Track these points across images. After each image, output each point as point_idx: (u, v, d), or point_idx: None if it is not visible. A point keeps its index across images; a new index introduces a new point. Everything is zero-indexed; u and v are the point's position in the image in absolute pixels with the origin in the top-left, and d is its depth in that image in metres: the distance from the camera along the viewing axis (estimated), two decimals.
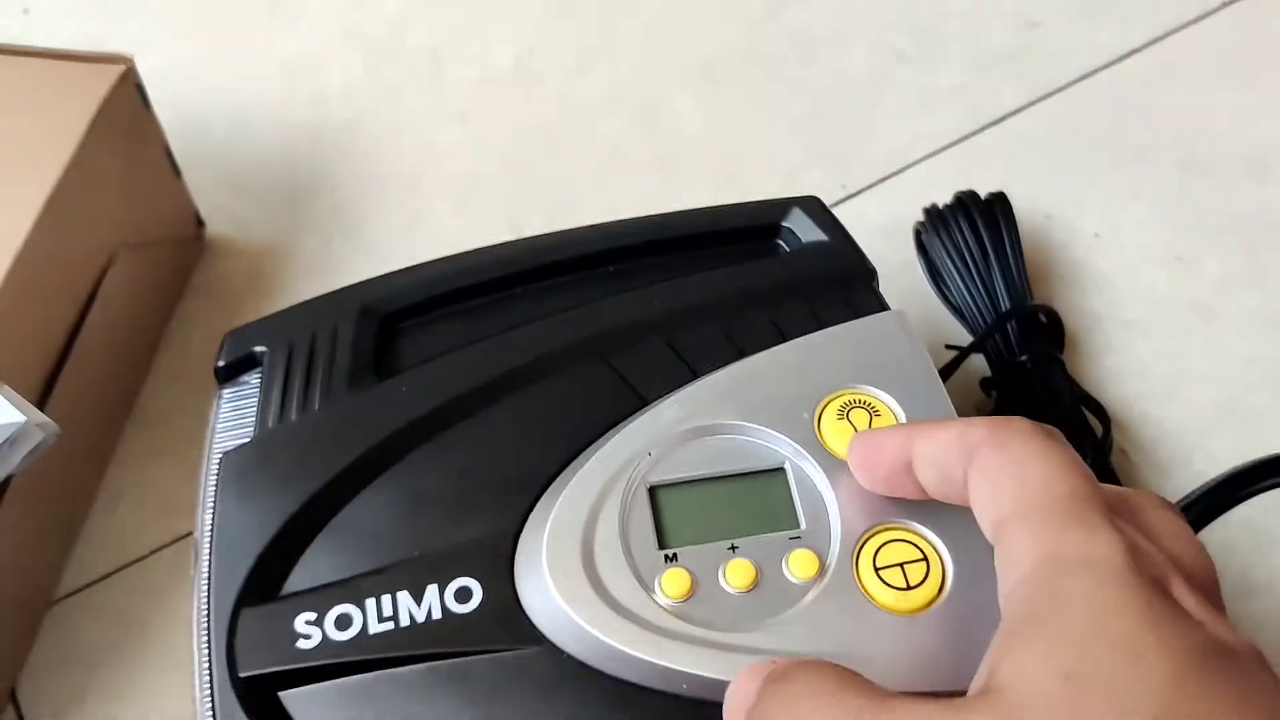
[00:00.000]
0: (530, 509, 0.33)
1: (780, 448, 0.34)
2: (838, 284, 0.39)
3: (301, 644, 0.31)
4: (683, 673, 0.30)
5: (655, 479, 0.33)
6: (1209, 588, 0.26)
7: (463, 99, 0.59)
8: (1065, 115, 0.58)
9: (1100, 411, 0.46)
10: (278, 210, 0.56)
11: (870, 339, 0.36)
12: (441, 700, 0.30)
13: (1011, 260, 0.48)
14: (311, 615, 0.32)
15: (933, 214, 0.50)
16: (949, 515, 0.31)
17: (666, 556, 0.32)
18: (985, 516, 0.27)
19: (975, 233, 0.49)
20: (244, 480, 0.35)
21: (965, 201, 0.50)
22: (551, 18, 0.62)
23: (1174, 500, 0.40)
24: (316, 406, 0.36)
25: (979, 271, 0.48)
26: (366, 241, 0.55)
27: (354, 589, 0.32)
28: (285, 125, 0.58)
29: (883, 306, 0.38)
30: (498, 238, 0.42)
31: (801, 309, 0.38)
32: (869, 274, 0.40)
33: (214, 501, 0.34)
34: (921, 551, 0.31)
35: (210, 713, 0.30)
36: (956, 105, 0.58)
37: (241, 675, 0.31)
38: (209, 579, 0.33)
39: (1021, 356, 0.46)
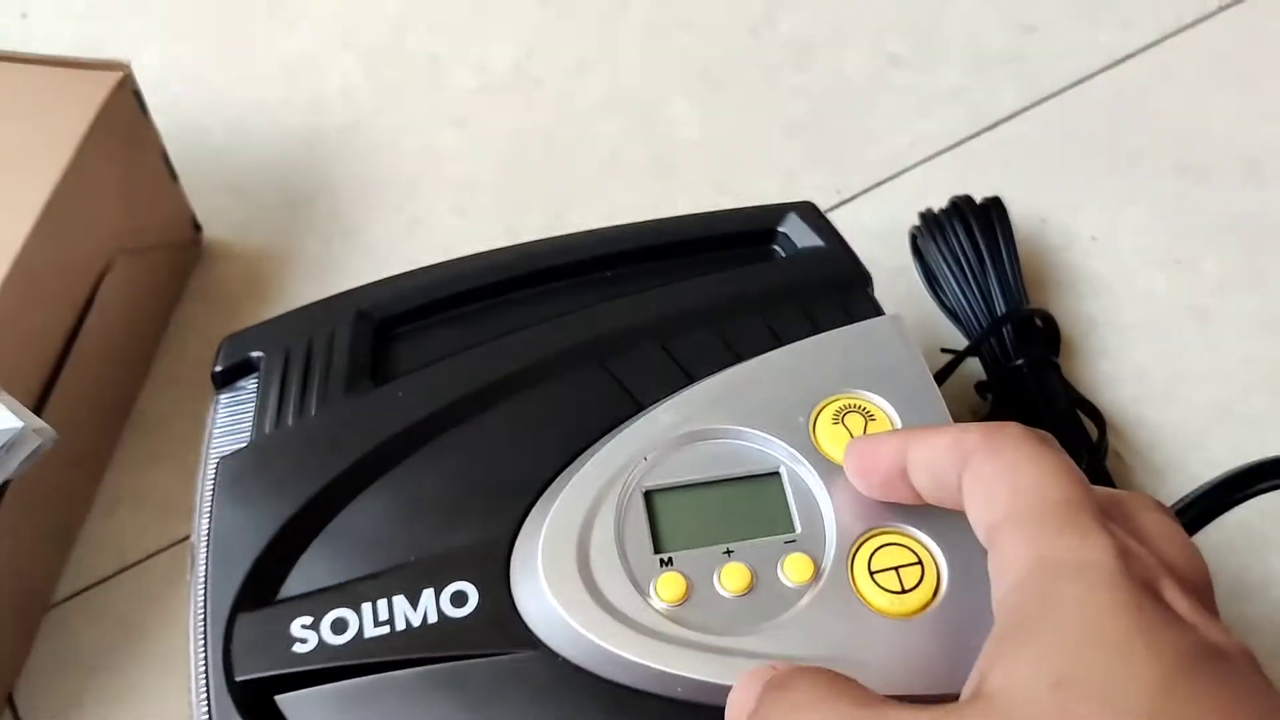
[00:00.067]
0: (526, 513, 0.33)
1: (775, 452, 0.34)
2: (833, 289, 0.39)
3: (297, 648, 0.31)
4: (678, 676, 0.30)
5: (651, 483, 0.33)
6: (1202, 590, 0.26)
7: (461, 103, 0.60)
8: (1062, 119, 0.58)
9: (1096, 415, 0.46)
10: (276, 214, 0.56)
11: (865, 343, 0.37)
12: (437, 704, 0.30)
13: (1007, 264, 0.48)
14: (308, 619, 0.32)
15: (928, 218, 0.50)
16: (944, 519, 0.31)
17: (662, 561, 0.32)
18: (979, 522, 0.27)
19: (971, 237, 0.49)
20: (241, 485, 0.35)
21: (961, 206, 0.50)
22: (550, 21, 0.63)
23: (1169, 503, 0.40)
24: (313, 412, 0.36)
25: (974, 276, 0.48)
26: (365, 245, 0.55)
27: (350, 593, 0.32)
28: (283, 129, 0.59)
29: (878, 311, 0.38)
30: (496, 242, 0.42)
31: (797, 314, 0.38)
32: (864, 279, 0.40)
33: (210, 506, 0.34)
34: (916, 555, 0.31)
35: (206, 716, 0.30)
36: (953, 109, 0.58)
37: (237, 679, 0.31)
38: (205, 583, 0.33)
39: (1017, 361, 0.46)
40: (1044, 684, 0.23)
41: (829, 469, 0.33)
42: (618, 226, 0.42)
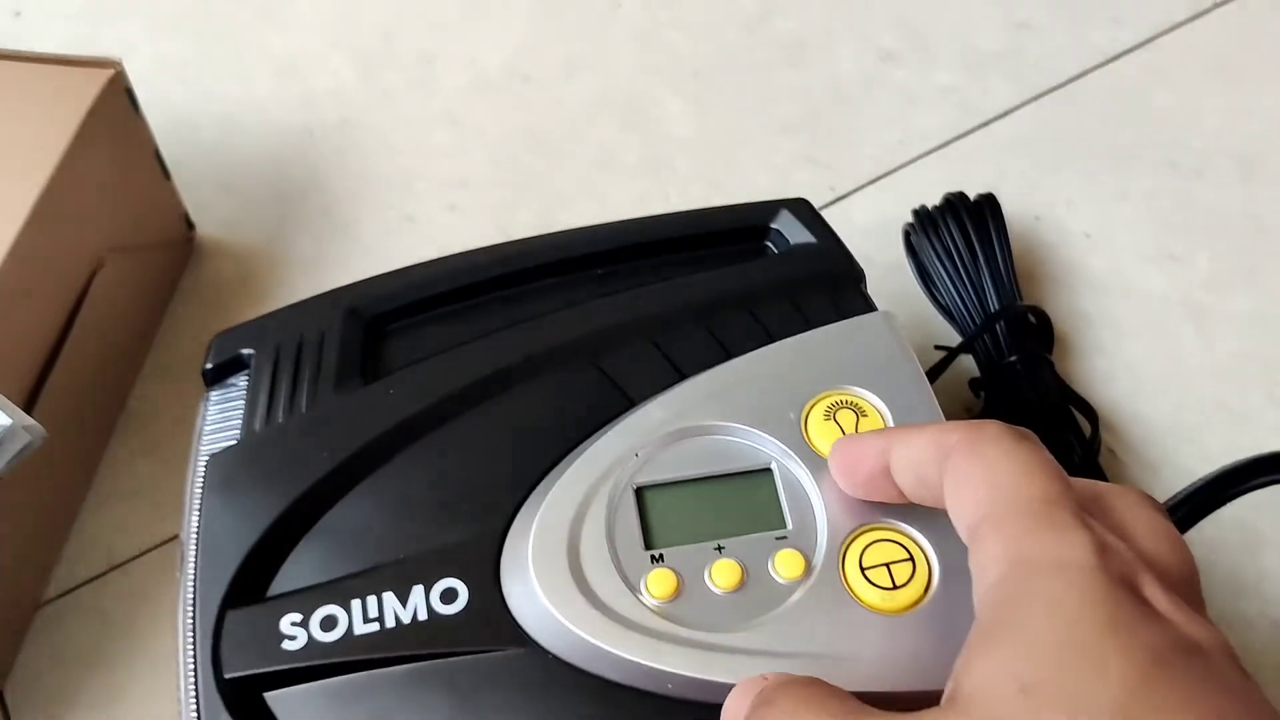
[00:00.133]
0: (516, 510, 0.33)
1: (767, 448, 0.34)
2: (825, 285, 0.39)
3: (287, 645, 0.31)
4: (668, 673, 0.30)
5: (642, 480, 0.33)
6: (1184, 584, 0.26)
7: (453, 101, 0.59)
8: (1055, 116, 0.58)
9: (1089, 411, 0.46)
10: (268, 212, 0.56)
11: (857, 340, 0.37)
12: (427, 701, 0.30)
13: (1000, 261, 0.48)
14: (297, 616, 0.32)
15: (922, 215, 0.50)
16: (935, 515, 0.31)
17: (653, 557, 0.32)
18: (960, 520, 0.27)
19: (964, 234, 0.49)
20: (230, 482, 0.35)
21: (954, 202, 0.50)
22: (541, 20, 0.62)
23: (1163, 499, 0.40)
24: (303, 409, 0.36)
25: (968, 272, 0.48)
26: (357, 243, 0.55)
27: (340, 590, 0.32)
28: (276, 126, 0.58)
29: (870, 307, 0.38)
30: (488, 240, 0.42)
31: (789, 310, 0.38)
32: (857, 275, 0.40)
33: (200, 503, 0.34)
34: (907, 551, 0.31)
35: (195, 714, 0.30)
36: (946, 106, 0.58)
37: (226, 676, 0.31)
38: (195, 580, 0.33)
39: (1010, 357, 0.46)
40: (1014, 688, 0.23)
41: (820, 465, 0.33)
42: (609, 224, 0.42)
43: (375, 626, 0.31)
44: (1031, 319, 0.48)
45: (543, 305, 0.39)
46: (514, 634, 0.31)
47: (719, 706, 0.28)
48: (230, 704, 0.30)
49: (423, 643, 0.31)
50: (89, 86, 0.45)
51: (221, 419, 0.37)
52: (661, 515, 0.33)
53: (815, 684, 0.26)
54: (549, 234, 0.42)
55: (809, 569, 0.31)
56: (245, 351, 0.38)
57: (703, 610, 0.31)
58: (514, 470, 0.34)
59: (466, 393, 0.36)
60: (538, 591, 0.31)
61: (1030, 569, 0.25)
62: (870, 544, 0.32)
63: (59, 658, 0.43)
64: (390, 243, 0.55)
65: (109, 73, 0.45)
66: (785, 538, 0.32)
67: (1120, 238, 0.53)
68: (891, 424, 0.34)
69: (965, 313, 0.48)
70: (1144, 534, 0.26)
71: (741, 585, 0.31)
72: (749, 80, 0.60)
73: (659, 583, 0.31)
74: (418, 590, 0.32)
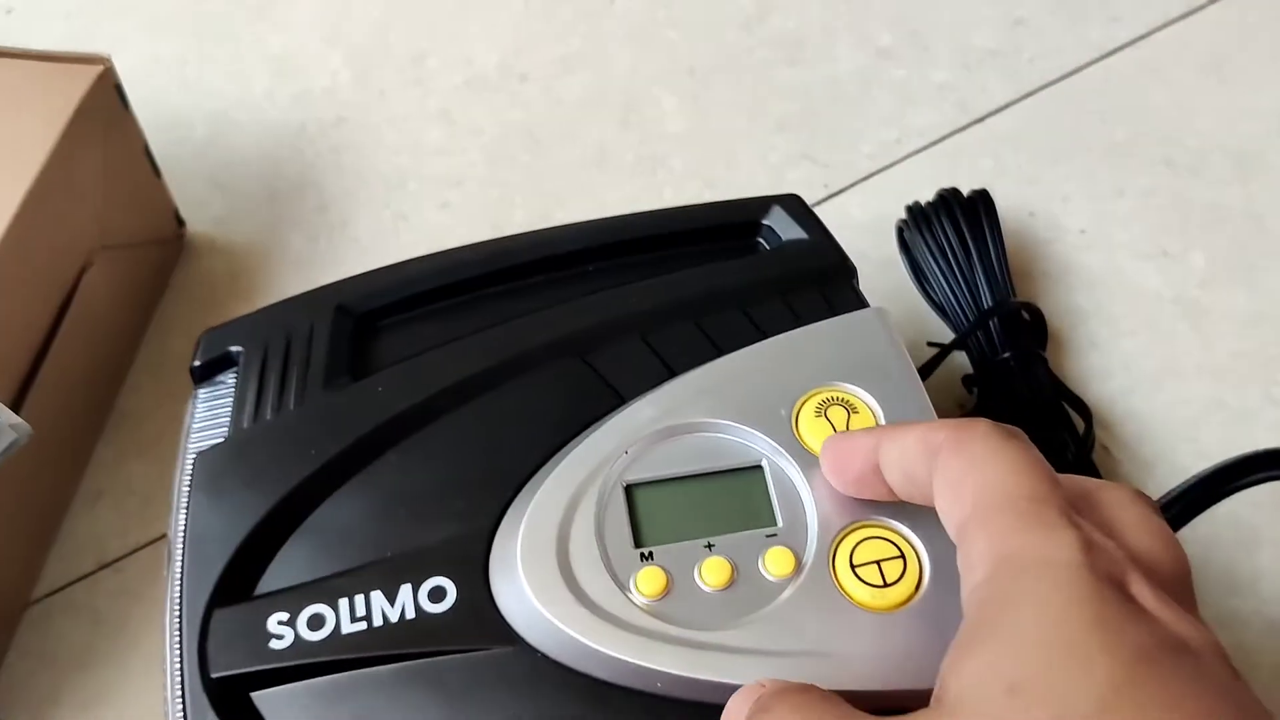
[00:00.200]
0: (505, 508, 0.33)
1: (758, 445, 0.34)
2: (817, 281, 0.39)
3: (274, 644, 0.31)
4: (658, 671, 0.29)
5: (632, 477, 0.33)
6: (1174, 582, 0.25)
7: (447, 98, 0.59)
8: (1050, 112, 0.57)
9: (1082, 408, 0.46)
10: (259, 209, 0.55)
11: (849, 336, 0.36)
12: (414, 700, 0.30)
13: (994, 257, 0.48)
14: (284, 615, 0.31)
15: (915, 211, 0.50)
16: (926, 512, 0.30)
17: (642, 555, 0.32)
18: (948, 518, 0.27)
19: (958, 230, 0.48)
20: (218, 480, 0.34)
21: (948, 199, 0.50)
22: (536, 17, 0.62)
23: (1157, 496, 0.40)
24: (291, 406, 0.36)
25: (961, 269, 0.48)
26: (349, 241, 0.54)
27: (327, 589, 0.32)
28: (267, 124, 0.58)
29: (862, 304, 0.38)
30: (481, 237, 0.42)
31: (780, 306, 0.37)
32: (849, 271, 0.40)
33: (187, 502, 0.34)
34: (898, 549, 0.31)
35: (181, 713, 0.30)
36: (941, 102, 0.58)
37: (213, 676, 0.31)
38: (181, 579, 0.32)
39: (1004, 354, 0.46)
40: (1001, 687, 0.23)
41: (811, 462, 0.33)
42: (599, 220, 0.42)
43: (363, 625, 0.31)
44: (1025, 315, 0.47)
45: (533, 302, 0.38)
46: (502, 633, 0.31)
47: (708, 705, 0.28)
48: (216, 704, 0.30)
49: (411, 642, 0.31)
50: (78, 83, 0.45)
51: (209, 417, 0.37)
52: (651, 513, 0.33)
53: (811, 691, 0.26)
54: (539, 230, 0.42)
55: (799, 567, 0.31)
56: (234, 348, 0.38)
57: (692, 608, 0.31)
58: (503, 468, 0.34)
59: (455, 390, 0.35)
60: (526, 590, 0.31)
61: (1017, 568, 0.24)
62: (861, 541, 0.31)
63: (48, 657, 0.43)
64: (384, 241, 0.54)
65: (98, 69, 0.45)
66: (775, 535, 0.32)
67: (1115, 234, 0.53)
68: (883, 421, 0.34)
69: (958, 309, 0.48)
70: (1133, 531, 0.26)
71: (731, 583, 0.31)
72: (746, 78, 0.59)
73: (648, 581, 0.31)
74: (406, 589, 0.31)
